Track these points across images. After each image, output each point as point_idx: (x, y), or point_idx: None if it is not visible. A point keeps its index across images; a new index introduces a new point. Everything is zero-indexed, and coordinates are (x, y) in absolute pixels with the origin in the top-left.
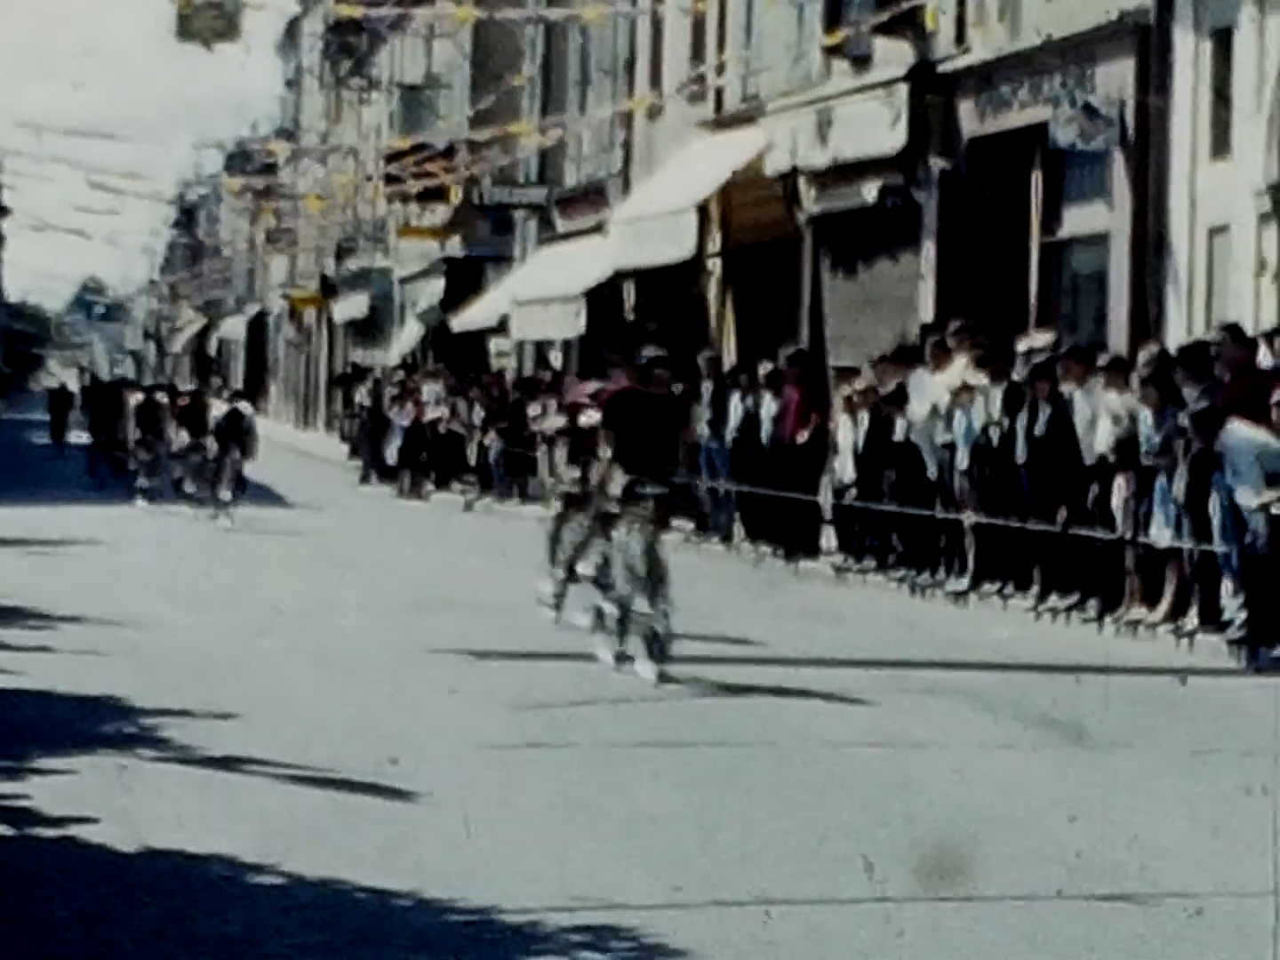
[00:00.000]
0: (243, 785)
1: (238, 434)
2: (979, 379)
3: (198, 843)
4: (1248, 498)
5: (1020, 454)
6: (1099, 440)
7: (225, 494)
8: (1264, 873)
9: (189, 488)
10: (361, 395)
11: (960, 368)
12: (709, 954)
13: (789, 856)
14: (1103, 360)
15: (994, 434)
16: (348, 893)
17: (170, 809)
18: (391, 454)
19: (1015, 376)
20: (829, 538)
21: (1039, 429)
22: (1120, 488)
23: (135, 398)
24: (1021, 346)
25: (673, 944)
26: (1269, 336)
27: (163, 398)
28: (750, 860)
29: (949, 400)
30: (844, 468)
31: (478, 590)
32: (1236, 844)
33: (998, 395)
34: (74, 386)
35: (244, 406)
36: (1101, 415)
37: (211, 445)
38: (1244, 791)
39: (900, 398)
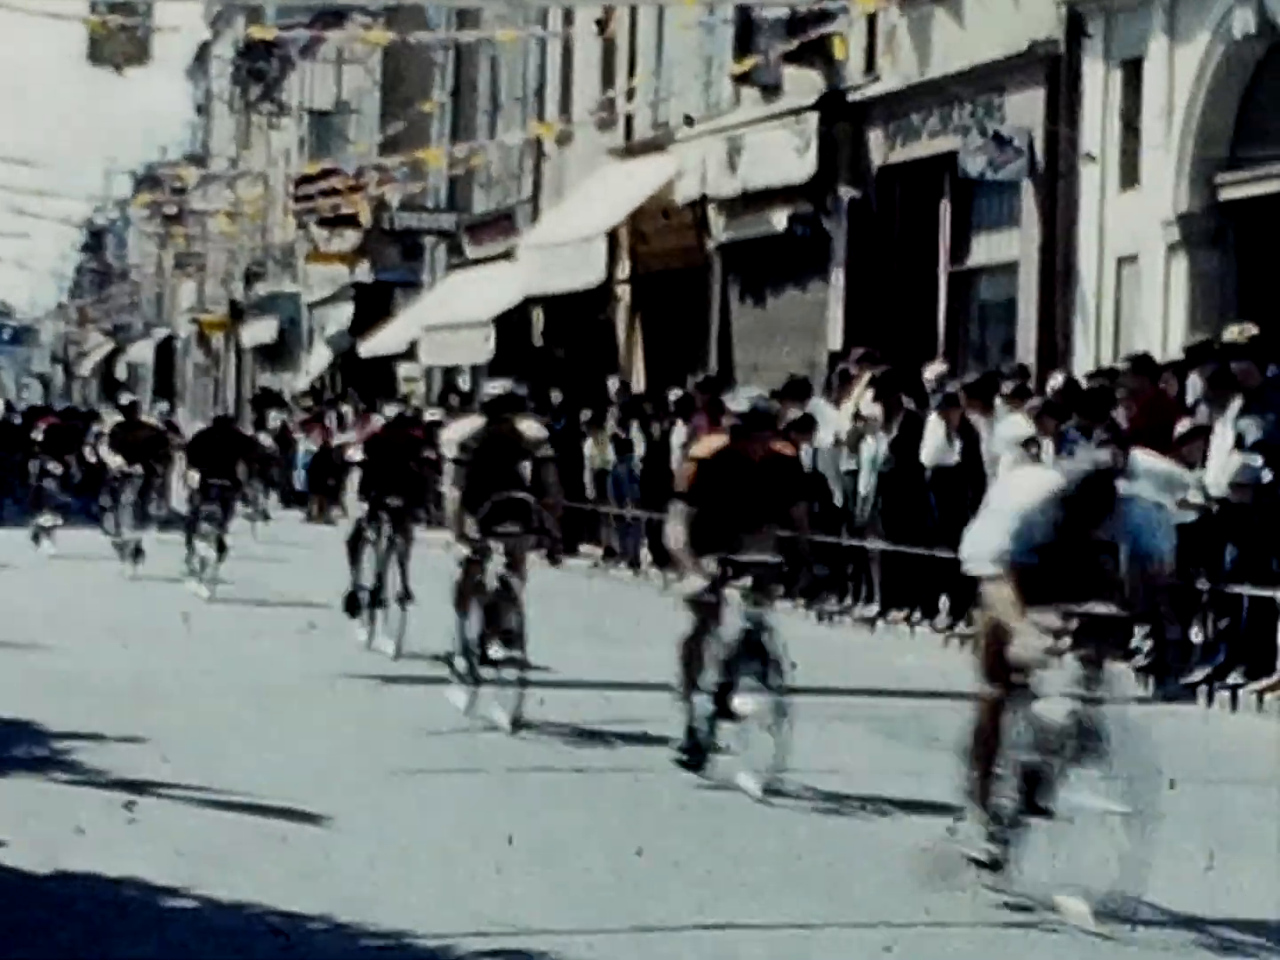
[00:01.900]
0: (155, 809)
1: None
2: (875, 409)
3: (111, 866)
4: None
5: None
6: (1001, 468)
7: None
8: (1172, 898)
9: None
10: (272, 420)
11: (859, 396)
12: None
13: (700, 882)
14: (1006, 389)
15: (884, 468)
16: (260, 917)
17: (83, 833)
18: (299, 479)
19: (910, 404)
20: None
21: (949, 457)
22: None
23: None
24: (927, 375)
25: None
26: (1177, 367)
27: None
28: (661, 884)
29: (849, 429)
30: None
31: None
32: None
33: (894, 425)
34: None
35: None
36: (1005, 445)
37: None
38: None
39: (808, 425)
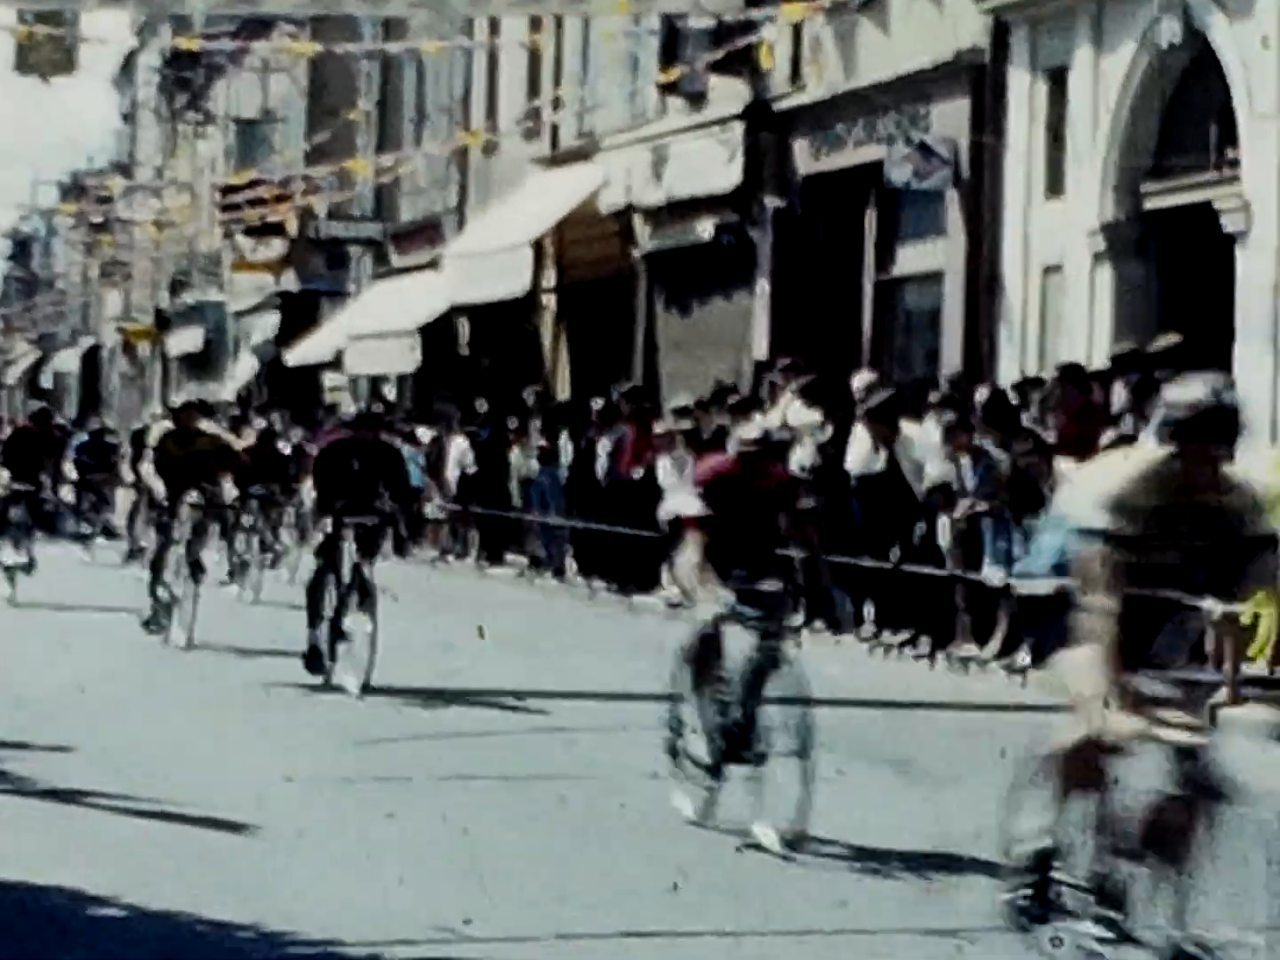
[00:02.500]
0: (83, 818)
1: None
2: (803, 416)
3: (39, 875)
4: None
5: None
6: (928, 477)
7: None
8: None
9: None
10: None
11: (786, 405)
12: None
13: (629, 890)
14: (934, 397)
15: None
16: (190, 926)
17: (10, 842)
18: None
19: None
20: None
21: (874, 466)
22: (945, 526)
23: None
24: (856, 383)
25: None
26: (1102, 376)
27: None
28: (589, 894)
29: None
30: (675, 505)
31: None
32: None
33: (824, 434)
34: None
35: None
36: (928, 455)
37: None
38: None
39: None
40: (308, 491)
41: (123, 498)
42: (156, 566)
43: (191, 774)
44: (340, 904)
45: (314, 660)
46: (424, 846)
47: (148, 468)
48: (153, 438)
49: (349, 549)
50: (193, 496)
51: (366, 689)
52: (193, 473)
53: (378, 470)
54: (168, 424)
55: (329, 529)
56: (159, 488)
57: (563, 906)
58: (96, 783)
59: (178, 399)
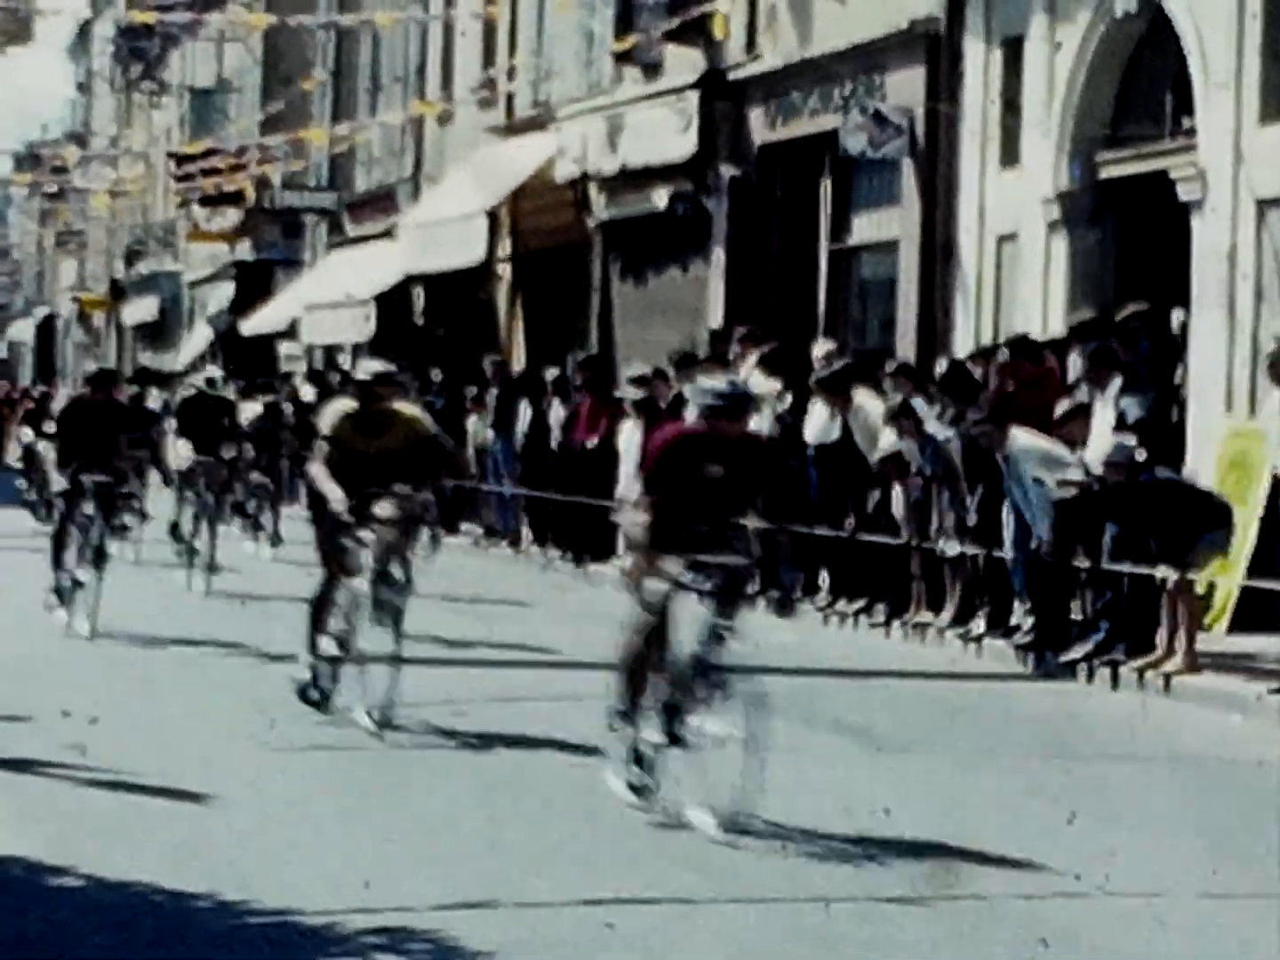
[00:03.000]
0: (36, 786)
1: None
2: (763, 386)
3: None
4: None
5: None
6: (881, 446)
7: None
8: (1052, 874)
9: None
10: (153, 399)
11: (746, 375)
12: (505, 955)
13: (579, 858)
14: (889, 367)
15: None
16: (145, 894)
17: None
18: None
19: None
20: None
21: (830, 435)
22: (899, 495)
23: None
24: (816, 353)
25: (469, 945)
26: (1057, 346)
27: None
28: (542, 861)
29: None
30: (628, 472)
31: (269, 588)
32: (1025, 845)
33: (784, 402)
34: None
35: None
36: (884, 424)
37: None
38: (1030, 794)
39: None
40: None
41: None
42: (58, 545)
43: (144, 743)
44: (297, 873)
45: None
46: (378, 816)
47: (318, 468)
48: (327, 421)
49: (87, 505)
50: (386, 508)
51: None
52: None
53: (116, 428)
54: (348, 402)
55: (67, 485)
56: (338, 496)
57: (518, 876)
58: (52, 754)
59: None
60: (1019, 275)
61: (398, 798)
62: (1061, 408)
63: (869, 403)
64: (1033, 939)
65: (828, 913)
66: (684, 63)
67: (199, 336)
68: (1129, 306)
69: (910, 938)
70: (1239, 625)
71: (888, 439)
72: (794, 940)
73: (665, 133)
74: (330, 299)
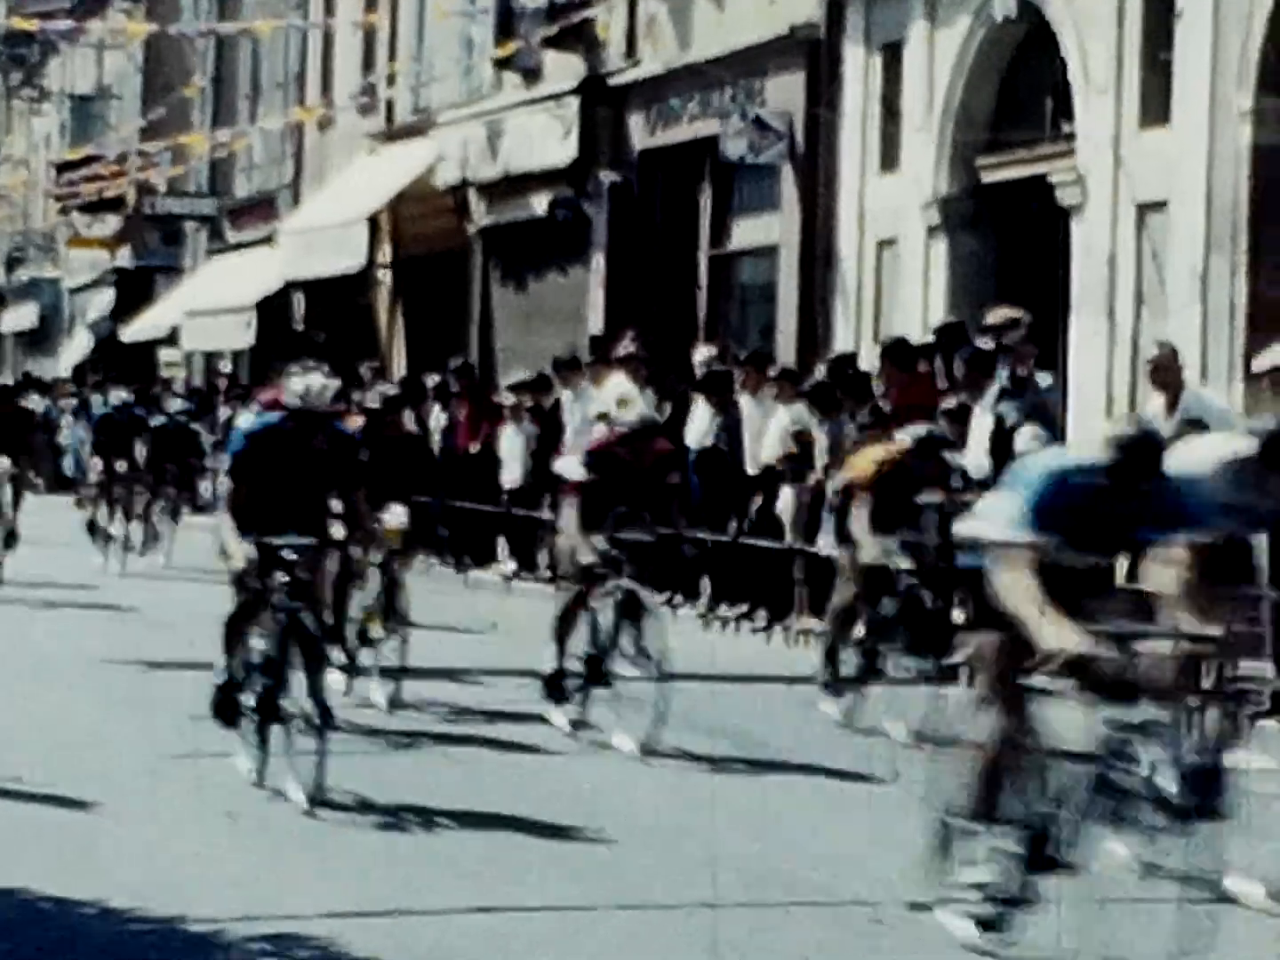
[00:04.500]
0: None
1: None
2: (636, 391)
3: None
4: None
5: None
6: (765, 450)
7: None
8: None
9: None
10: (34, 404)
11: (620, 379)
12: None
13: (472, 867)
14: (773, 371)
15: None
16: (33, 903)
17: None
18: (68, 465)
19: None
20: (503, 547)
21: (709, 439)
22: (788, 498)
23: None
24: (697, 358)
25: (355, 952)
26: (927, 350)
27: None
28: (433, 869)
29: (613, 411)
30: (511, 476)
31: (156, 600)
32: (911, 852)
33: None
34: None
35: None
36: (771, 425)
37: None
38: (909, 799)
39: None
40: None
41: None
42: None
43: (33, 750)
44: (185, 882)
45: None
46: (268, 823)
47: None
48: (862, 465)
49: None
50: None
51: None
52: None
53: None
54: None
55: None
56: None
57: (409, 884)
58: None
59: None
60: (899, 280)
61: (285, 806)
62: (947, 405)
63: (750, 406)
64: (915, 943)
65: (709, 919)
66: (564, 69)
67: (79, 343)
68: (998, 311)
69: (795, 939)
70: None
71: (770, 446)
72: (684, 946)
73: (545, 139)
74: (211, 305)
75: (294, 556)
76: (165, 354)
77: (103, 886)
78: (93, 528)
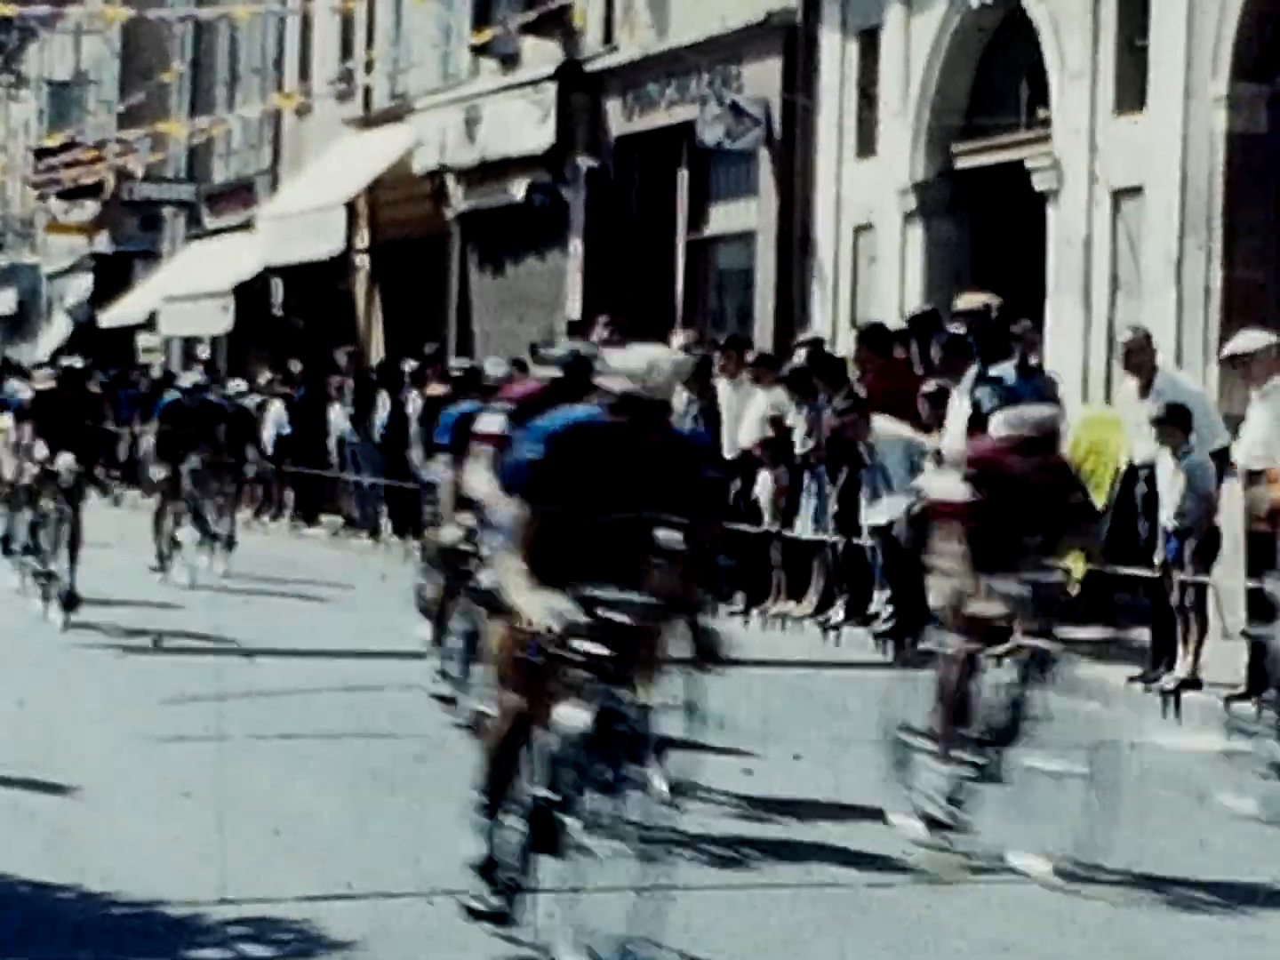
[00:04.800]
0: None
1: None
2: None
3: None
4: (878, 515)
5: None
6: (743, 435)
7: None
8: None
9: None
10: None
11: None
12: (369, 945)
13: (444, 848)
14: (751, 356)
15: None
16: (9, 887)
17: None
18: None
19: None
20: None
21: (687, 423)
22: (767, 482)
23: None
24: (674, 343)
25: (333, 936)
26: (903, 336)
27: None
28: (406, 852)
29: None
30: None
31: (121, 585)
32: (883, 834)
33: None
34: None
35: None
36: (749, 410)
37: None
38: (887, 783)
39: None
40: None
41: None
42: None
43: (6, 735)
44: (162, 865)
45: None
46: (244, 807)
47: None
48: None
49: None
50: None
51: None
52: None
53: None
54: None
55: None
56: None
57: (380, 865)
58: None
59: None
60: (876, 265)
61: (262, 788)
62: (927, 388)
63: (727, 391)
64: (895, 927)
65: (691, 901)
66: (541, 55)
67: (58, 329)
68: (969, 296)
69: (776, 924)
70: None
71: (747, 431)
72: (659, 930)
73: (523, 124)
74: (189, 291)
75: (622, 618)
76: (144, 339)
77: (78, 870)
78: (159, 533)
